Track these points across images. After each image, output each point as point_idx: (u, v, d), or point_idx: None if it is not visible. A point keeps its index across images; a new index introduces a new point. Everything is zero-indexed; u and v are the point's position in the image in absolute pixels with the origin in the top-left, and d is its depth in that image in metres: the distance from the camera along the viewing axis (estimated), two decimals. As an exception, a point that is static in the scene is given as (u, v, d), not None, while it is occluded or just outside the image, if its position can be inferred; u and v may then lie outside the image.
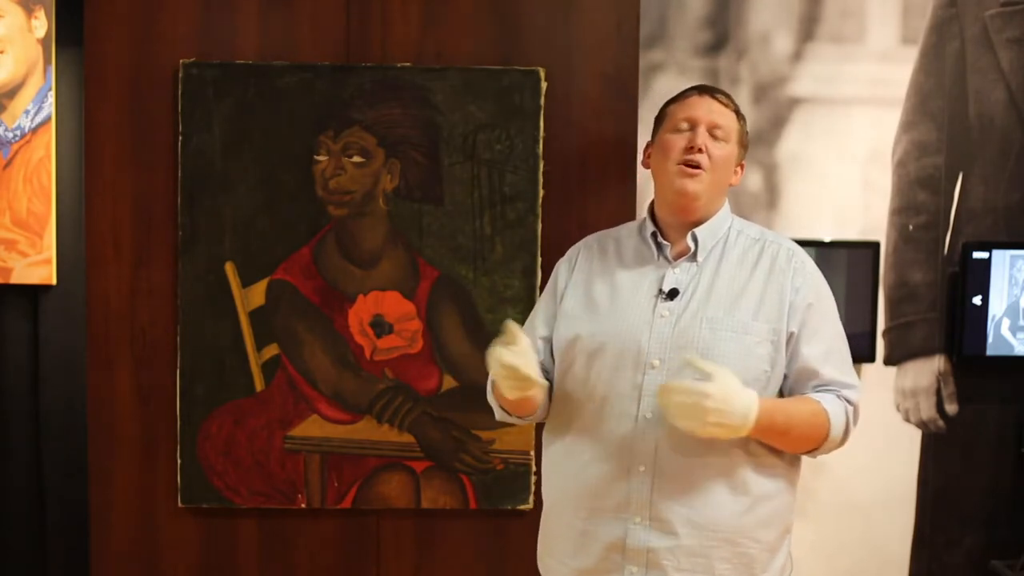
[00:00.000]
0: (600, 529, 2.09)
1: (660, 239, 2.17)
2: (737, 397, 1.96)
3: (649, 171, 2.23)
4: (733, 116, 2.17)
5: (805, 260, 2.16)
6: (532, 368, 2.05)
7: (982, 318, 3.24)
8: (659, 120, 2.22)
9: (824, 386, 2.11)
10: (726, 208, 2.21)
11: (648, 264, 2.17)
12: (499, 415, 2.30)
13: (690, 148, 2.11)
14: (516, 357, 2.05)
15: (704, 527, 2.04)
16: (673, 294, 2.11)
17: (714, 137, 2.13)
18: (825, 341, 2.11)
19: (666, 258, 2.16)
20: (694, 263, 2.15)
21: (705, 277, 2.13)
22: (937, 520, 3.34)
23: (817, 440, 2.09)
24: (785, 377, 2.12)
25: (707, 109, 2.14)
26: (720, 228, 2.18)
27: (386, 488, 2.98)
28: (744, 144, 2.20)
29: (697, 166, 2.11)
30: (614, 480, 2.07)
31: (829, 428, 2.08)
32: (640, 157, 2.28)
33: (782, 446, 2.08)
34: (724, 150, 2.13)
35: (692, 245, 2.15)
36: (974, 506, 3.34)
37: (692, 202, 2.13)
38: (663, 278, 2.14)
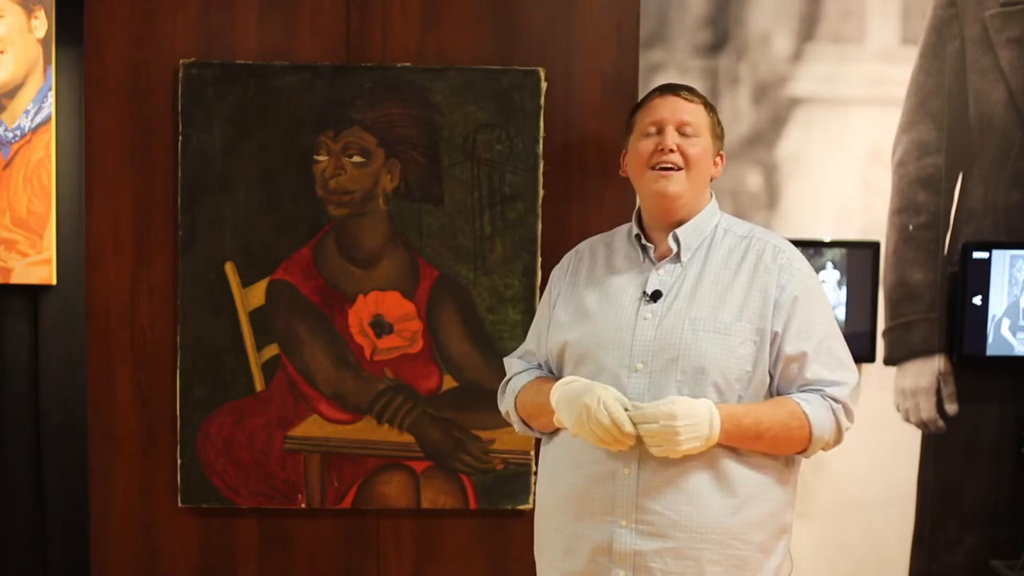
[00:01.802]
0: (587, 532, 2.08)
1: (644, 241, 2.17)
2: (697, 406, 1.98)
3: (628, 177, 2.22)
4: (701, 109, 2.16)
5: (793, 257, 2.14)
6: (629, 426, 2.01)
7: (982, 318, 3.24)
8: (629, 127, 2.21)
9: (809, 385, 2.09)
10: (712, 206, 2.20)
11: (634, 267, 2.17)
12: (519, 428, 2.30)
13: (660, 151, 2.11)
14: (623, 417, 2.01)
15: (691, 529, 2.03)
16: (656, 296, 2.11)
17: (684, 135, 2.12)
18: (811, 339, 2.08)
19: (651, 260, 2.16)
20: (678, 264, 2.14)
21: (689, 278, 2.12)
22: (937, 520, 3.34)
23: (800, 442, 2.08)
24: (771, 377, 2.10)
25: (672, 109, 2.14)
26: (706, 227, 2.17)
27: (386, 488, 2.98)
28: (718, 135, 2.19)
29: (670, 168, 2.10)
30: (600, 483, 2.06)
31: (810, 429, 2.06)
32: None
33: (762, 449, 2.06)
34: (697, 146, 2.13)
35: (674, 246, 2.14)
36: (974, 506, 3.34)
37: (673, 202, 2.12)
38: (647, 280, 2.14)
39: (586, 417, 2.00)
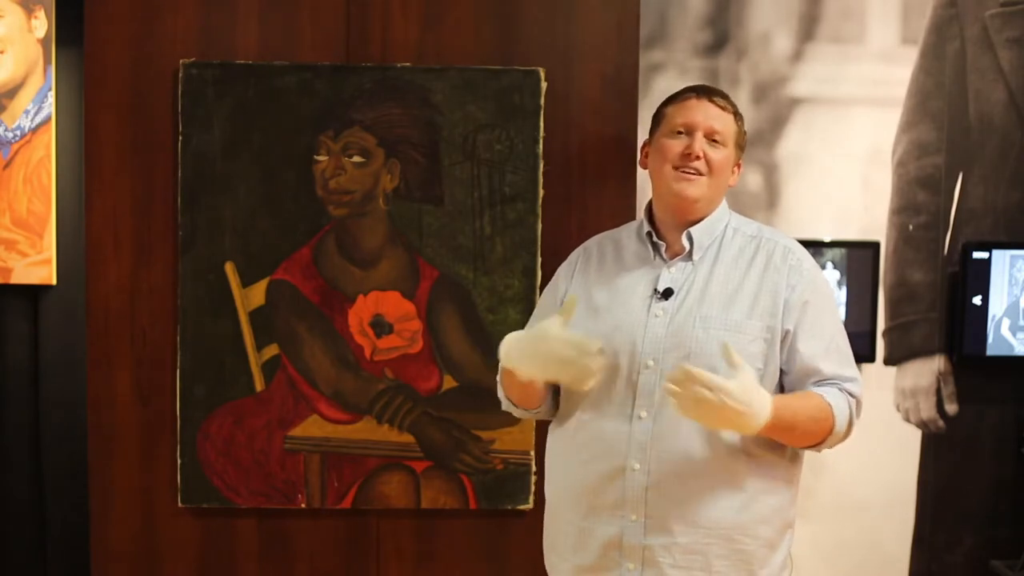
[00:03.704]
0: (597, 527, 2.10)
1: (655, 239, 2.18)
2: (756, 398, 1.96)
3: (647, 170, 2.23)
4: (731, 119, 2.16)
5: (802, 257, 2.16)
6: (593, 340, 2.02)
7: (982, 318, 3.24)
8: (656, 120, 2.21)
9: (824, 381, 2.11)
10: (723, 206, 2.21)
11: (645, 264, 2.18)
12: (505, 405, 2.31)
13: (687, 155, 2.11)
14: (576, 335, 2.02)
15: (699, 525, 2.05)
16: (668, 294, 2.12)
17: (712, 142, 2.12)
18: (824, 338, 2.11)
19: (662, 258, 2.17)
20: (689, 262, 2.15)
21: (700, 276, 2.13)
22: (937, 520, 3.34)
23: (822, 434, 2.09)
24: (784, 374, 2.12)
25: (704, 114, 2.13)
26: (716, 226, 2.18)
27: (386, 488, 2.98)
28: (741, 145, 2.20)
29: (695, 172, 2.11)
30: (609, 479, 2.08)
31: (834, 422, 2.08)
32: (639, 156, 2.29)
33: (787, 442, 2.09)
34: (722, 154, 2.13)
35: (687, 245, 2.15)
36: (974, 506, 3.34)
37: (691, 205, 2.14)
38: (658, 278, 2.15)
39: (546, 351, 2.02)
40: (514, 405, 2.28)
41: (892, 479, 3.32)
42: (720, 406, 1.92)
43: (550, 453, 2.26)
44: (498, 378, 2.30)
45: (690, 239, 2.15)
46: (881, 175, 3.28)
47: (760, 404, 1.97)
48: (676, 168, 2.12)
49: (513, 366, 2.09)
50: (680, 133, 2.14)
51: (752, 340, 2.07)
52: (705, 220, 2.16)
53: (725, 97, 2.19)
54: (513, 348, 2.09)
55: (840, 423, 2.09)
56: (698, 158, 2.10)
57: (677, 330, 2.08)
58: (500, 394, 2.32)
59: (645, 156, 2.23)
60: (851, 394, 2.11)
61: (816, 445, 2.13)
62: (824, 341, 2.10)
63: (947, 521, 3.34)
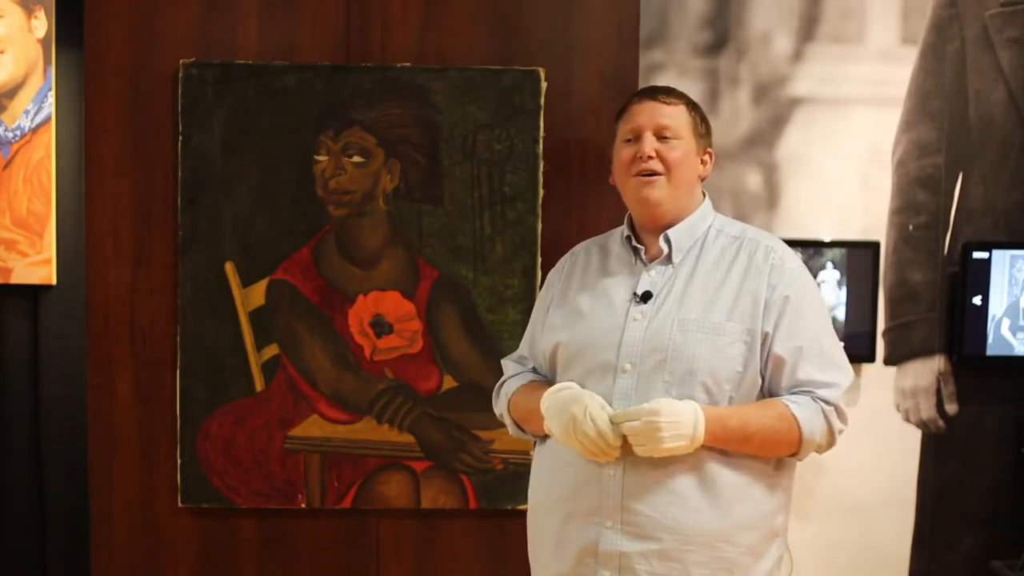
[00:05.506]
0: (574, 533, 2.08)
1: (635, 243, 2.17)
2: (681, 407, 1.98)
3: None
4: (682, 109, 2.14)
5: (785, 257, 2.12)
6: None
7: (982, 318, 3.24)
8: (613, 135, 2.21)
9: (799, 387, 2.07)
10: (705, 206, 2.19)
11: (627, 269, 2.17)
12: (513, 431, 2.31)
13: (639, 158, 2.10)
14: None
15: (677, 531, 2.01)
16: (646, 297, 2.10)
17: (664, 139, 2.11)
18: (801, 339, 2.06)
19: (642, 261, 2.16)
20: (669, 265, 2.13)
21: (680, 279, 2.11)
22: (937, 520, 3.34)
23: (790, 444, 2.06)
24: (762, 378, 2.09)
25: (649, 114, 2.12)
26: (698, 228, 2.16)
27: (386, 488, 2.98)
28: (702, 133, 2.17)
29: (651, 173, 2.10)
30: (586, 483, 2.06)
31: (800, 432, 2.04)
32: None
33: (750, 452, 2.05)
34: (678, 149, 2.11)
35: (665, 248, 2.14)
36: (974, 506, 3.34)
37: (656, 208, 2.12)
38: (638, 282, 2.13)
39: (573, 428, 2.00)
40: (520, 429, 2.27)
41: (892, 479, 3.32)
42: (655, 428, 1.94)
43: (535, 458, 2.25)
44: (504, 393, 2.29)
45: (668, 242, 2.14)
46: (881, 175, 3.28)
47: (690, 412, 1.97)
48: (635, 175, 2.11)
49: (544, 413, 2.09)
50: (630, 140, 2.13)
51: (731, 343, 2.05)
52: (684, 221, 2.15)
53: (670, 91, 2.17)
54: (551, 400, 2.07)
55: (810, 433, 2.04)
56: (650, 158, 2.09)
57: (655, 334, 2.06)
58: (501, 411, 2.31)
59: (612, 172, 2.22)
60: (826, 402, 2.07)
61: (792, 454, 2.09)
62: (803, 342, 2.06)
63: (947, 521, 3.34)
